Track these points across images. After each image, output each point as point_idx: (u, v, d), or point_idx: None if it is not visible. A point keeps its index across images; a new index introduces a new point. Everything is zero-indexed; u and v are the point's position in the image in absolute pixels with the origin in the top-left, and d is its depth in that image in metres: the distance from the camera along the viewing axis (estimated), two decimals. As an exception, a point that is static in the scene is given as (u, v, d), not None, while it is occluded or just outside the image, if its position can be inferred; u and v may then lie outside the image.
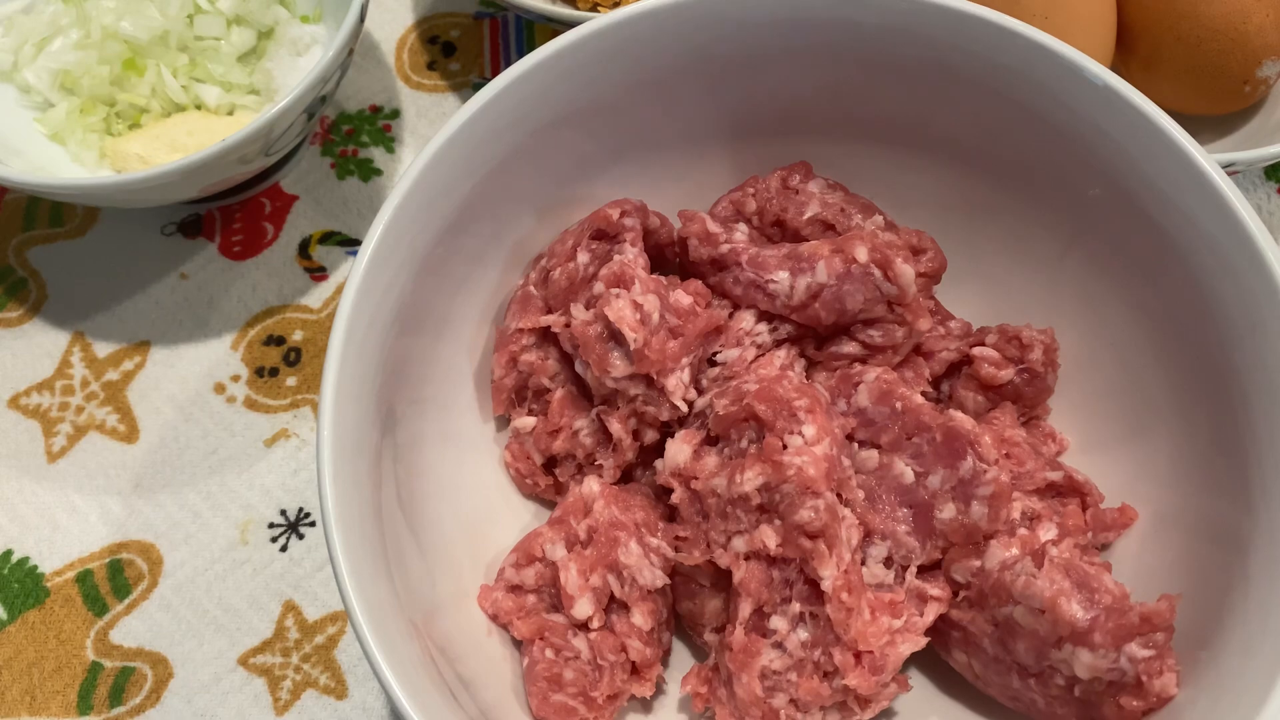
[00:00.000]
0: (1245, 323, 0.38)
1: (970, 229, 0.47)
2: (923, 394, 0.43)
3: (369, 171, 0.61)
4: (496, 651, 0.41)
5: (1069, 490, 0.42)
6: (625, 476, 0.45)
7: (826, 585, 0.37)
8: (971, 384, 0.45)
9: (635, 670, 0.40)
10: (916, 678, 0.42)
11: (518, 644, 0.41)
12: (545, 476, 0.45)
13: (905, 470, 0.40)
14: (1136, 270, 0.42)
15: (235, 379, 0.55)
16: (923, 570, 0.40)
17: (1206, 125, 0.56)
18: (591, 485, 0.41)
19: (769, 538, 0.38)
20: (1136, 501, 0.43)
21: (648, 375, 0.41)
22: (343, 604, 0.37)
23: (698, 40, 0.42)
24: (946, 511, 0.39)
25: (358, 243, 0.59)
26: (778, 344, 0.44)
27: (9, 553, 0.52)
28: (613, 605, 0.40)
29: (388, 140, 0.62)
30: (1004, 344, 0.45)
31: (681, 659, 0.44)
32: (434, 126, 0.62)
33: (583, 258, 0.43)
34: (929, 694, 0.42)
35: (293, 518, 0.52)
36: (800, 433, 0.38)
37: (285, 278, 0.58)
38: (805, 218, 0.46)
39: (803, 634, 0.38)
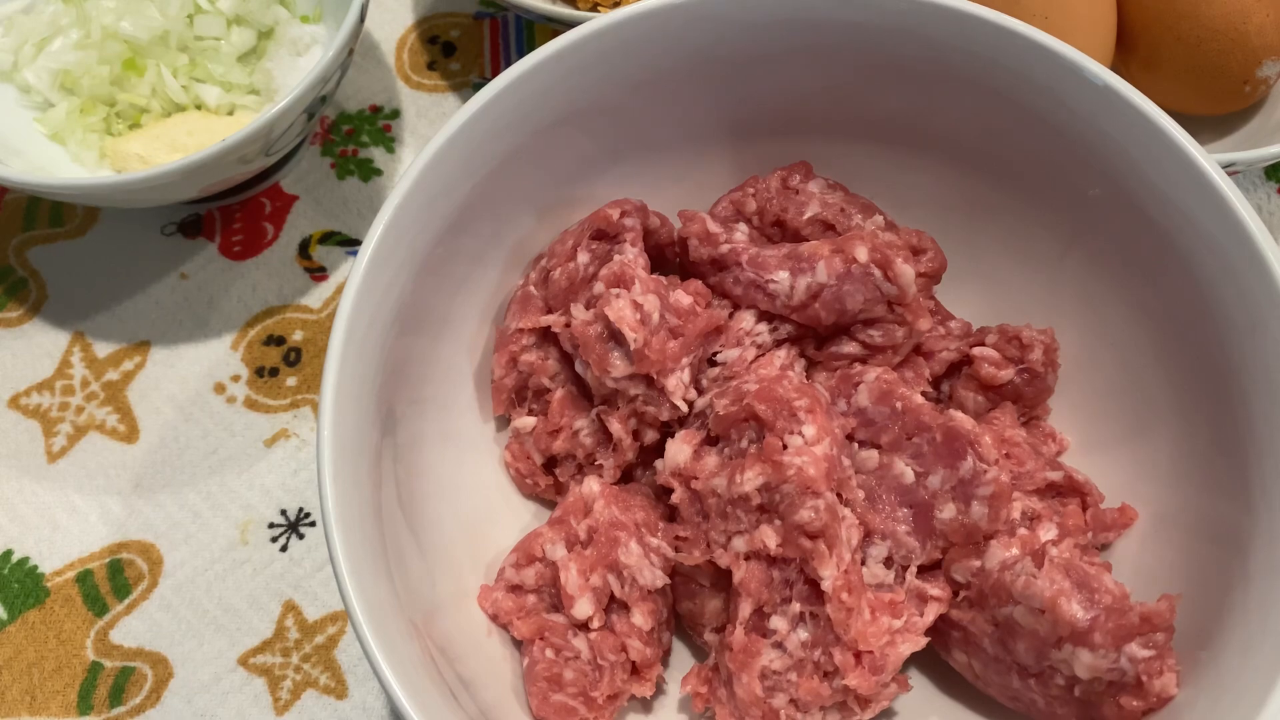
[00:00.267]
0: (1245, 323, 0.38)
1: (970, 229, 0.47)
2: (923, 394, 0.43)
3: (369, 171, 0.61)
4: (496, 651, 0.41)
5: (1069, 490, 0.42)
6: (625, 476, 0.45)
7: (826, 585, 0.37)
8: (971, 384, 0.45)
9: (635, 670, 0.40)
10: (916, 678, 0.42)
11: (518, 644, 0.41)
12: (545, 476, 0.45)
13: (905, 470, 0.40)
14: (1136, 270, 0.42)
15: (235, 379, 0.55)
16: (923, 570, 0.40)
17: (1206, 125, 0.56)
18: (591, 485, 0.41)
19: (769, 538, 0.38)
20: (1136, 501, 0.43)
21: (648, 375, 0.41)
22: (343, 604, 0.37)
23: (698, 40, 0.42)
24: (946, 511, 0.39)
25: (358, 243, 0.59)
26: (778, 344, 0.44)
27: (9, 553, 0.52)
28: (613, 605, 0.40)
29: (388, 140, 0.62)
30: (1004, 344, 0.45)
31: (681, 659, 0.44)
32: (434, 126, 0.62)
33: (583, 258, 0.43)
34: (929, 694, 0.42)
35: (293, 518, 0.52)
36: (800, 433, 0.38)
37: (285, 278, 0.58)
38: (805, 218, 0.46)
39: (803, 634, 0.38)
